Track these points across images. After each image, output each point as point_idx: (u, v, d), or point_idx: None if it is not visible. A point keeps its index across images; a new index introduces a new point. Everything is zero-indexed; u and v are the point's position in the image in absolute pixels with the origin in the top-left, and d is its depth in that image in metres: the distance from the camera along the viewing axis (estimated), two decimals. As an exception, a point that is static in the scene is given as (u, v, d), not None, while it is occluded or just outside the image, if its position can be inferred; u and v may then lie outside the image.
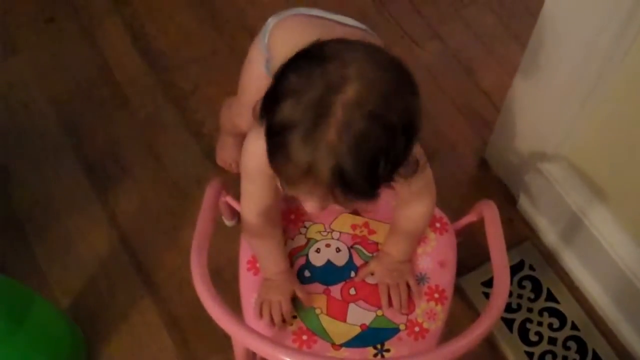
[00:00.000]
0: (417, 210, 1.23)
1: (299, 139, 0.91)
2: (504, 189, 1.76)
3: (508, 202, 1.73)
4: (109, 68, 1.94)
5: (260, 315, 1.22)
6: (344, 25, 1.28)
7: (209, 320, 1.11)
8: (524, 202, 1.70)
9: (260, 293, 1.25)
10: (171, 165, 1.77)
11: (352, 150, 0.90)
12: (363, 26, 1.32)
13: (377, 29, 1.99)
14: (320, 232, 1.31)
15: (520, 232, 1.70)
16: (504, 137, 1.69)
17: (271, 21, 1.30)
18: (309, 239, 1.30)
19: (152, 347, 1.57)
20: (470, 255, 1.61)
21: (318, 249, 1.29)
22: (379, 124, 0.91)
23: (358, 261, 1.28)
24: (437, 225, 1.33)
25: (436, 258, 1.29)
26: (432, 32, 2.02)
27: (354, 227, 1.31)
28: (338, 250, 1.29)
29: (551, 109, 1.46)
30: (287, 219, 1.32)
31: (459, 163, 1.80)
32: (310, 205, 1.02)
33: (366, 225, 1.32)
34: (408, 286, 1.25)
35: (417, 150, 1.07)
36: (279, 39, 1.26)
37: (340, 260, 1.28)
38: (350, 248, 1.29)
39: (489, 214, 1.28)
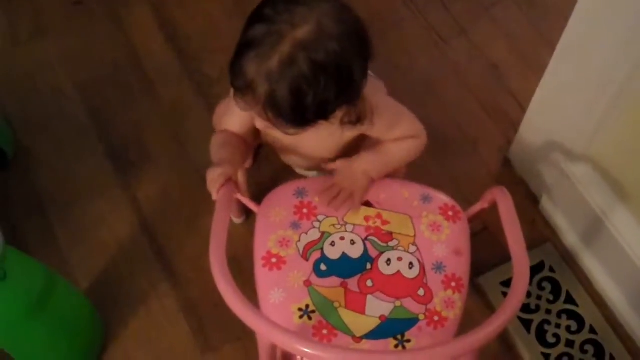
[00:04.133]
0: (404, 142, 1.37)
1: (251, 56, 1.10)
2: (526, 189, 1.75)
3: (530, 202, 1.73)
4: (136, 53, 1.95)
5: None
6: None
7: (226, 308, 1.11)
8: (546, 203, 1.69)
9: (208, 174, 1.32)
10: (194, 152, 1.78)
11: (285, 82, 1.09)
12: None
13: (404, 23, 2.01)
14: (334, 225, 1.31)
15: (541, 233, 1.69)
16: (529, 137, 1.69)
17: None
18: (323, 233, 1.30)
19: (169, 332, 1.58)
20: (490, 255, 1.62)
21: (333, 242, 1.29)
22: (315, 68, 1.09)
23: (373, 252, 1.28)
24: (450, 213, 1.34)
25: (451, 246, 1.30)
26: (460, 28, 2.01)
27: (367, 218, 1.32)
28: (352, 242, 1.29)
29: (578, 110, 1.45)
30: (299, 213, 1.32)
31: (482, 161, 1.80)
32: (258, 122, 1.22)
33: (379, 216, 1.32)
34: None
35: (381, 104, 1.30)
36: None
37: (355, 252, 1.28)
38: (364, 240, 1.29)
39: (503, 201, 1.27)
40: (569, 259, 1.65)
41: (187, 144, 1.79)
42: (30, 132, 1.82)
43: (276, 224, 1.31)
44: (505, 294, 1.59)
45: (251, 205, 1.37)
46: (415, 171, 1.73)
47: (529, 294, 1.60)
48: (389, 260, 1.27)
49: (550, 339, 1.56)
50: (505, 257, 1.61)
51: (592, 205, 1.51)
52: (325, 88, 1.11)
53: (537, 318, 1.58)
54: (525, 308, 1.58)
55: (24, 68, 1.93)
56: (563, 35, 1.40)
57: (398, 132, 1.35)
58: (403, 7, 2.05)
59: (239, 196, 1.36)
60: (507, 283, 1.61)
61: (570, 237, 1.65)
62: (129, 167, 1.78)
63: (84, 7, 2.03)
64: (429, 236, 1.30)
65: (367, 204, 1.34)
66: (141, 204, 1.73)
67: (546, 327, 1.57)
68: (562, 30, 1.39)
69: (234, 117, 1.38)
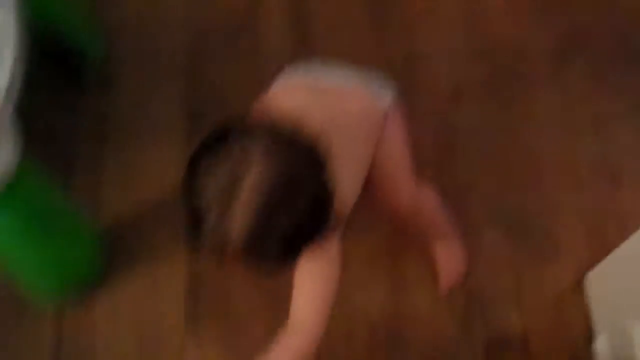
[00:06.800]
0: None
1: (213, 222, 1.00)
2: (586, 320, 1.59)
3: (583, 338, 1.57)
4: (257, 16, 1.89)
5: None
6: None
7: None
8: (601, 345, 1.53)
9: None
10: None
11: (258, 230, 0.99)
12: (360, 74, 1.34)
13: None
14: None
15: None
16: (616, 269, 1.52)
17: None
18: None
19: (159, 302, 1.58)
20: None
21: None
22: (280, 206, 1.00)
23: None
24: None
25: None
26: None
27: None
28: None
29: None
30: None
31: (555, 273, 1.64)
32: None
33: None
34: None
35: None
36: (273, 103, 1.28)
37: None
38: None
39: None
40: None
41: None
42: (120, 60, 1.81)
43: None
44: None
45: None
46: (490, 260, 1.64)
47: None
48: None
49: None
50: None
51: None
52: (300, 216, 1.02)
53: None
54: None
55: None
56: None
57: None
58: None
59: None
60: None
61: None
62: (200, 124, 1.72)
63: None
64: None
65: None
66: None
67: None
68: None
69: None
